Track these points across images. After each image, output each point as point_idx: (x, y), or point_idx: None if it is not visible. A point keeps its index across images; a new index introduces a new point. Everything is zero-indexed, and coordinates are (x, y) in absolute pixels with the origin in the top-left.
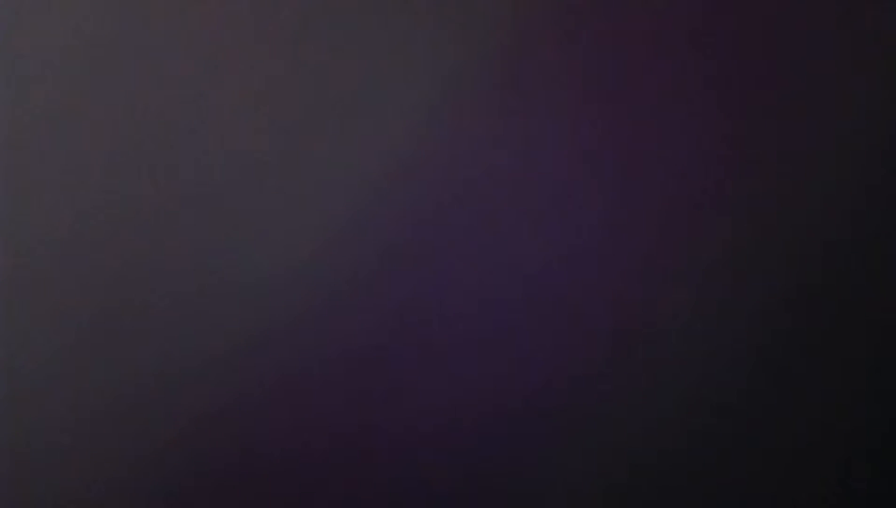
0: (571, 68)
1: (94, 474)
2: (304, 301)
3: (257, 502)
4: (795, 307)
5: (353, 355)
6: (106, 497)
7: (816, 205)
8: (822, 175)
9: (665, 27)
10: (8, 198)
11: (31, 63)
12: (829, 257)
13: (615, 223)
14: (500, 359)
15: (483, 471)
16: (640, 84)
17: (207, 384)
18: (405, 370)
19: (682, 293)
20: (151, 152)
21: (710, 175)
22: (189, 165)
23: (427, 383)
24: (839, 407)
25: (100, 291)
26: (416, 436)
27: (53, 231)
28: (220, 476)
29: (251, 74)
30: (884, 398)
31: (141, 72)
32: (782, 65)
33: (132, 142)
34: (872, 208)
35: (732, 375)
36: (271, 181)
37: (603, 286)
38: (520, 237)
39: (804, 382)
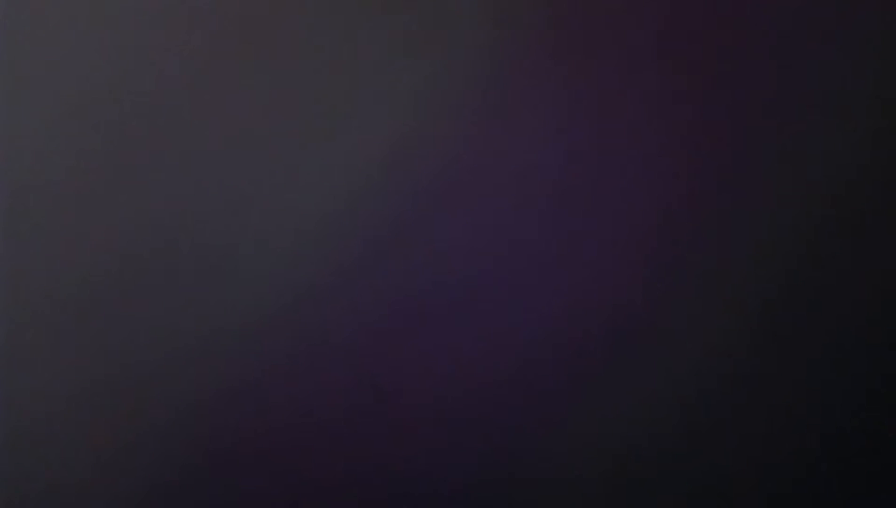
0: (566, 67)
1: (91, 462)
2: (297, 295)
3: (254, 488)
4: (795, 306)
5: (346, 349)
6: (103, 485)
7: (816, 204)
8: (821, 175)
9: (661, 25)
10: (8, 194)
11: (32, 63)
12: (829, 256)
13: (611, 222)
14: (496, 357)
15: (480, 465)
16: (638, 82)
17: (203, 375)
18: (399, 364)
19: (680, 291)
20: (149, 146)
21: (708, 175)
22: (186, 159)
23: (422, 377)
24: (839, 405)
25: (95, 282)
26: (412, 429)
27: (53, 225)
28: (216, 464)
29: (247, 71)
30: (884, 397)
31: (140, 69)
32: (782, 64)
33: (130, 136)
34: (872, 207)
35: (731, 372)
36: (267, 175)
37: (600, 284)
38: (517, 236)
39: (803, 379)
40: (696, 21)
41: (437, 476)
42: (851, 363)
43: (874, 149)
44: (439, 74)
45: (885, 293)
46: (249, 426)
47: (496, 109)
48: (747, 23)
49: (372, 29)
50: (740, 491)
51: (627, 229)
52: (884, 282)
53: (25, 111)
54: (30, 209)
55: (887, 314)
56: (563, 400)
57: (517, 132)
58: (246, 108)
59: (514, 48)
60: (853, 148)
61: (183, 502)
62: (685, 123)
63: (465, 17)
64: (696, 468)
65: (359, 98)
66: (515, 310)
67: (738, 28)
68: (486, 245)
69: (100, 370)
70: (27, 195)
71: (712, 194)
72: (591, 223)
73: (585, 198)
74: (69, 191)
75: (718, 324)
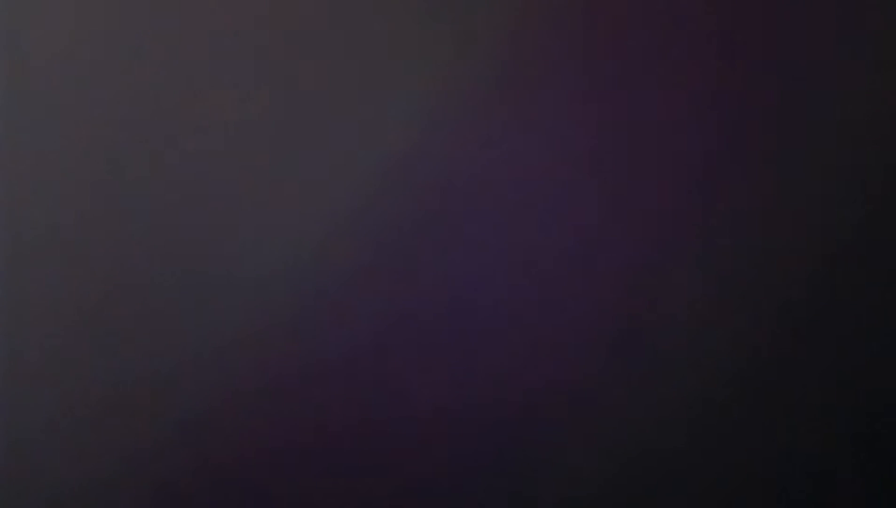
0: (571, 68)
1: (93, 471)
2: (301, 301)
3: (255, 498)
4: (795, 306)
5: (349, 356)
6: (103, 494)
7: (816, 204)
8: (821, 175)
9: (665, 26)
10: (8, 197)
11: (32, 62)
12: (829, 255)
13: (614, 222)
14: (497, 359)
15: (481, 469)
16: (640, 83)
17: (205, 381)
18: (403, 370)
19: (681, 292)
20: (149, 151)
21: (710, 174)
22: (187, 164)
23: (425, 382)
24: (839, 406)
25: (98, 288)
26: (414, 435)
27: (53, 229)
28: (217, 473)
29: (250, 72)
30: (884, 398)
31: (140, 70)
32: (782, 64)
33: (131, 139)
34: (872, 207)
35: (732, 374)
36: (270, 180)
37: (602, 285)
38: (519, 237)
39: (803, 381)
40: (705, 21)
41: (441, 482)
42: (855, 363)
43: (877, 149)
44: (445, 76)
45: (887, 293)
46: (252, 430)
47: (501, 113)
48: (754, 23)
49: (376, 30)
50: (742, 493)
51: (633, 231)
52: (887, 281)
53: (25, 111)
54: (30, 215)
55: (889, 313)
56: (568, 403)
57: (522, 136)
58: (249, 111)
59: (520, 51)
60: (855, 148)
61: (175, 498)
62: (694, 124)
63: (470, 19)
64: (699, 470)
65: (363, 101)
66: (520, 314)
67: (744, 28)
68: (490, 247)
69: (101, 376)
70: (27, 200)
71: (720, 196)
72: (598, 226)
73: (592, 201)
74: (70, 194)
75: (723, 327)
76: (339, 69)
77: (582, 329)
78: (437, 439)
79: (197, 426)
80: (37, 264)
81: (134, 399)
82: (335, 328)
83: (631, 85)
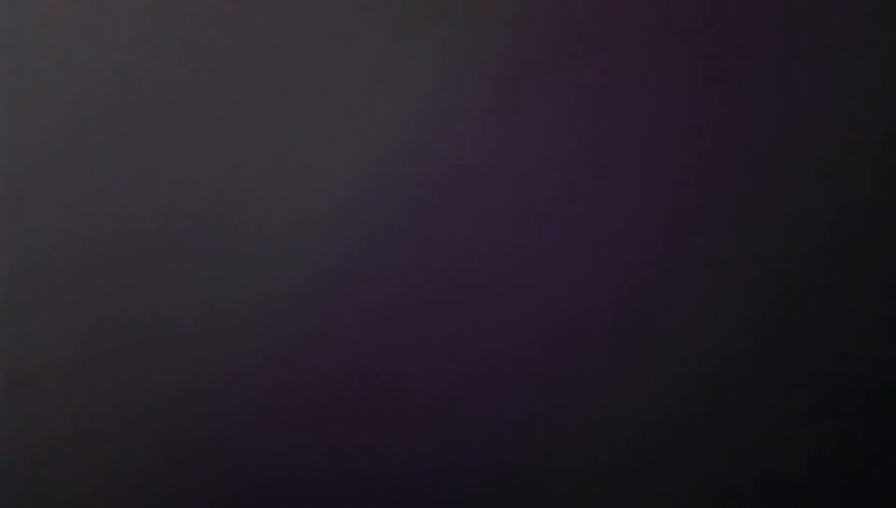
0: (572, 67)
1: (97, 481)
2: (306, 301)
3: (254, 475)
4: (794, 306)
5: (353, 354)
6: (100, 474)
7: (816, 204)
8: (821, 174)
9: (665, 26)
10: (9, 201)
11: (32, 63)
12: (829, 256)
13: (613, 220)
14: (497, 356)
15: (480, 467)
16: (641, 82)
17: (202, 366)
18: (406, 368)
19: (683, 290)
20: (152, 152)
21: (709, 173)
22: (192, 164)
23: (426, 382)
24: (838, 405)
25: (104, 296)
26: (418, 437)
27: (58, 238)
28: (213, 453)
29: (252, 72)
30: (883, 398)
31: (142, 71)
32: (782, 64)
33: (133, 141)
34: (872, 207)
35: (730, 373)
36: (272, 180)
37: (601, 282)
38: (520, 234)
39: (803, 380)
40: (704, 21)
41: (435, 468)
42: (851, 363)
43: (876, 149)
44: (443, 71)
45: (885, 295)
46: (248, 416)
47: (500, 108)
48: (752, 23)
49: (375, 25)
50: (737, 491)
51: (631, 228)
52: (884, 283)
53: (26, 107)
54: (30, 203)
55: (887, 316)
56: (563, 397)
57: (521, 131)
58: (248, 105)
59: (519, 47)
60: (855, 147)
61: (176, 490)
62: (692, 124)
63: (470, 15)
64: (694, 466)
65: (361, 95)
66: (517, 307)
67: (743, 29)
68: (490, 242)
69: (100, 363)
70: (28, 189)
71: (716, 194)
72: (595, 222)
73: (589, 197)
74: (70, 183)
75: (720, 324)
76: (340, 68)
77: (581, 325)
78: (434, 426)
79: (190, 410)
80: (40, 270)
81: (138, 406)
82: (333, 317)
83: (633, 83)
